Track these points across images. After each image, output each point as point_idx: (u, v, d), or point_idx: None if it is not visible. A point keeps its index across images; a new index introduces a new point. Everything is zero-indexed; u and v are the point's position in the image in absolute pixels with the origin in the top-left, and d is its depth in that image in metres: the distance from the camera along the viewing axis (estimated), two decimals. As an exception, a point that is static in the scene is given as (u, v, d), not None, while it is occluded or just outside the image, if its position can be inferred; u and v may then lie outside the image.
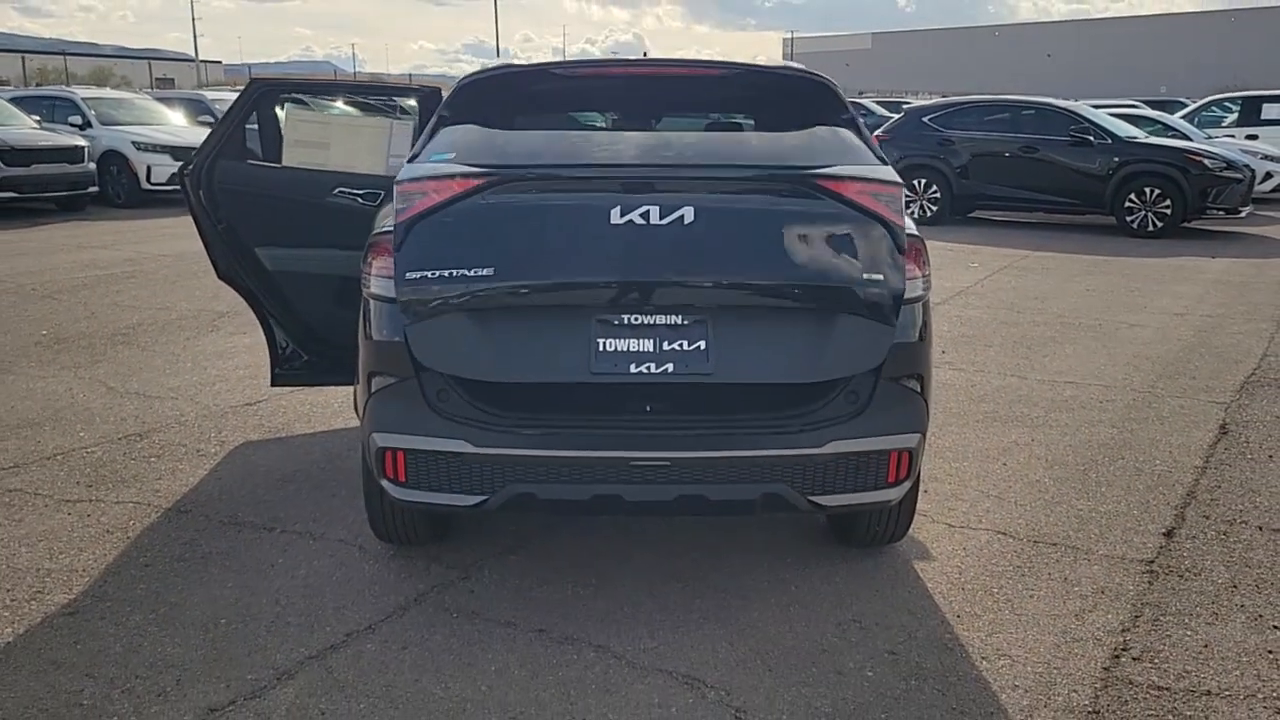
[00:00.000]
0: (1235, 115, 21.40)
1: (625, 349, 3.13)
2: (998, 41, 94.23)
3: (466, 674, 3.22)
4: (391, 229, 3.28)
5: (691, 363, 3.13)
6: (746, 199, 3.22)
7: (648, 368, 3.12)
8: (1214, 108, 22.34)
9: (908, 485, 3.36)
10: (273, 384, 5.18)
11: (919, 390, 3.32)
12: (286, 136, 4.85)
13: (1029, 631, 3.49)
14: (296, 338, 5.04)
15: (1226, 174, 13.78)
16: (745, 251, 3.16)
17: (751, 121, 3.49)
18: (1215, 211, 13.86)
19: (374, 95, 5.28)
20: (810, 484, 3.25)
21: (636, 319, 3.15)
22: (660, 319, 3.15)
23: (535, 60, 3.88)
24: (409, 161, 3.41)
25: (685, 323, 3.14)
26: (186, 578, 3.86)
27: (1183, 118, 20.96)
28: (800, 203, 3.21)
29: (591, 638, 3.43)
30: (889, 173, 3.29)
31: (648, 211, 3.12)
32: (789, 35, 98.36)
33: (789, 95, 3.49)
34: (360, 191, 4.81)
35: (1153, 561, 4.03)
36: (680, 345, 3.12)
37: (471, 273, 3.14)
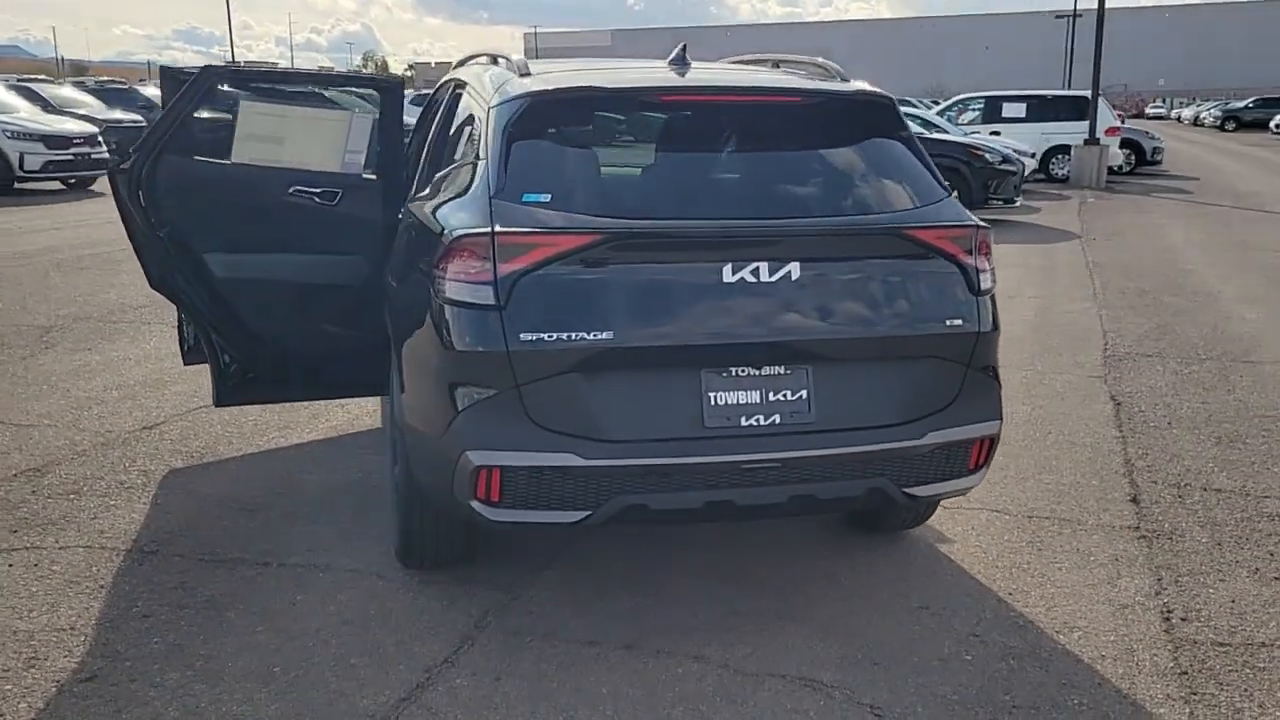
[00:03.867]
0: (979, 113, 23.28)
1: (735, 402, 3.12)
2: (730, 40, 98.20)
3: (581, 699, 3.06)
4: (481, 232, 3.05)
5: (796, 413, 3.15)
6: (846, 253, 3.25)
7: (757, 420, 3.12)
8: (960, 106, 24.20)
9: (986, 471, 3.47)
10: (217, 404, 4.70)
11: (996, 378, 3.44)
12: (238, 130, 4.40)
13: (1080, 603, 3.68)
14: (244, 352, 4.60)
15: (1003, 167, 14.99)
16: (844, 303, 3.20)
17: (822, 150, 3.44)
18: (995, 201, 15.04)
19: (332, 87, 4.87)
20: (906, 476, 3.30)
21: (744, 372, 3.14)
22: (766, 371, 3.14)
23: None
24: (494, 196, 3.14)
25: (787, 373, 3.15)
26: (203, 626, 3.46)
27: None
28: (891, 253, 3.28)
29: (684, 649, 3.34)
30: (961, 213, 3.39)
31: (758, 269, 3.10)
32: (531, 30, 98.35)
33: (854, 116, 3.49)
34: (317, 190, 4.45)
35: (1138, 528, 4.34)
36: (784, 395, 3.14)
37: (591, 336, 3.02)
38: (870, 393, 3.22)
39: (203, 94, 4.30)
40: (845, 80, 3.73)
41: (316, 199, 4.44)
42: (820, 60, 3.88)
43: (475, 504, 3.11)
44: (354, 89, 4.74)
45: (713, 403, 3.10)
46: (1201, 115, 62.93)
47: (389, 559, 3.94)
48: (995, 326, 3.39)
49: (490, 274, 3.03)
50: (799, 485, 3.19)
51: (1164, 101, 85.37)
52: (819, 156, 3.40)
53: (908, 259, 3.26)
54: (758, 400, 3.12)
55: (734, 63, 4.46)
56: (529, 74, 3.55)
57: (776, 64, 4.31)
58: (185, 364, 5.43)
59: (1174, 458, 5.19)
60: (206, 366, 5.26)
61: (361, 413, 5.75)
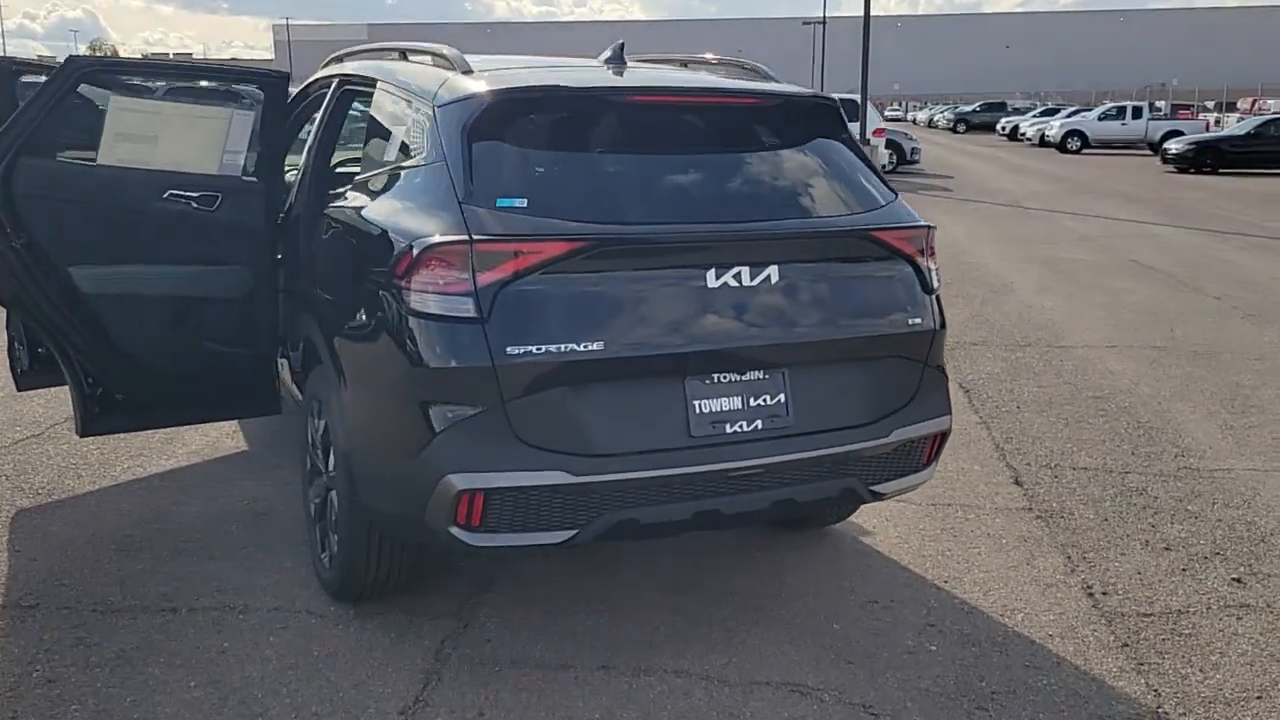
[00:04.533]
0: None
1: (719, 409, 3.07)
2: (491, 38, 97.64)
3: (575, 727, 2.93)
4: (455, 240, 2.85)
5: (776, 417, 3.13)
6: (819, 256, 3.25)
7: (740, 426, 3.08)
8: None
9: (936, 465, 3.56)
10: (82, 434, 4.21)
11: (945, 374, 3.54)
12: (107, 129, 3.95)
13: (1010, 586, 3.84)
14: (113, 375, 4.14)
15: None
16: (817, 306, 3.20)
17: (784, 152, 3.41)
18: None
19: (211, 79, 4.41)
20: (873, 475, 3.34)
21: (727, 378, 3.08)
22: (747, 377, 3.11)
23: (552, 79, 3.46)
24: (464, 201, 2.93)
25: (766, 378, 3.12)
26: (125, 685, 3.09)
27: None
28: (857, 255, 3.31)
29: (661, 664, 3.26)
30: (911, 213, 3.46)
31: (740, 273, 3.05)
32: (281, 22, 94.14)
33: (809, 119, 3.47)
34: (195, 194, 4.07)
35: (1030, 509, 4.59)
36: (764, 400, 3.11)
37: (581, 347, 2.88)
38: (841, 394, 3.24)
39: (66, 89, 3.84)
40: (775, 81, 3.74)
41: (194, 204, 4.06)
42: (746, 61, 3.87)
43: (455, 530, 2.92)
44: (232, 83, 4.34)
45: (698, 411, 3.03)
46: (935, 118, 67.78)
47: (313, 593, 3.65)
48: (944, 324, 3.48)
49: (469, 285, 2.85)
50: (780, 490, 3.17)
51: (899, 105, 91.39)
52: (782, 159, 3.39)
53: (872, 261, 3.30)
54: (740, 406, 3.08)
55: (642, 61, 4.39)
56: (472, 71, 3.35)
57: (684, 63, 4.27)
58: (20, 389, 4.84)
59: (1035, 440, 5.52)
60: (36, 392, 4.72)
61: (221, 435, 5.31)
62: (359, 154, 4.42)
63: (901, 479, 3.42)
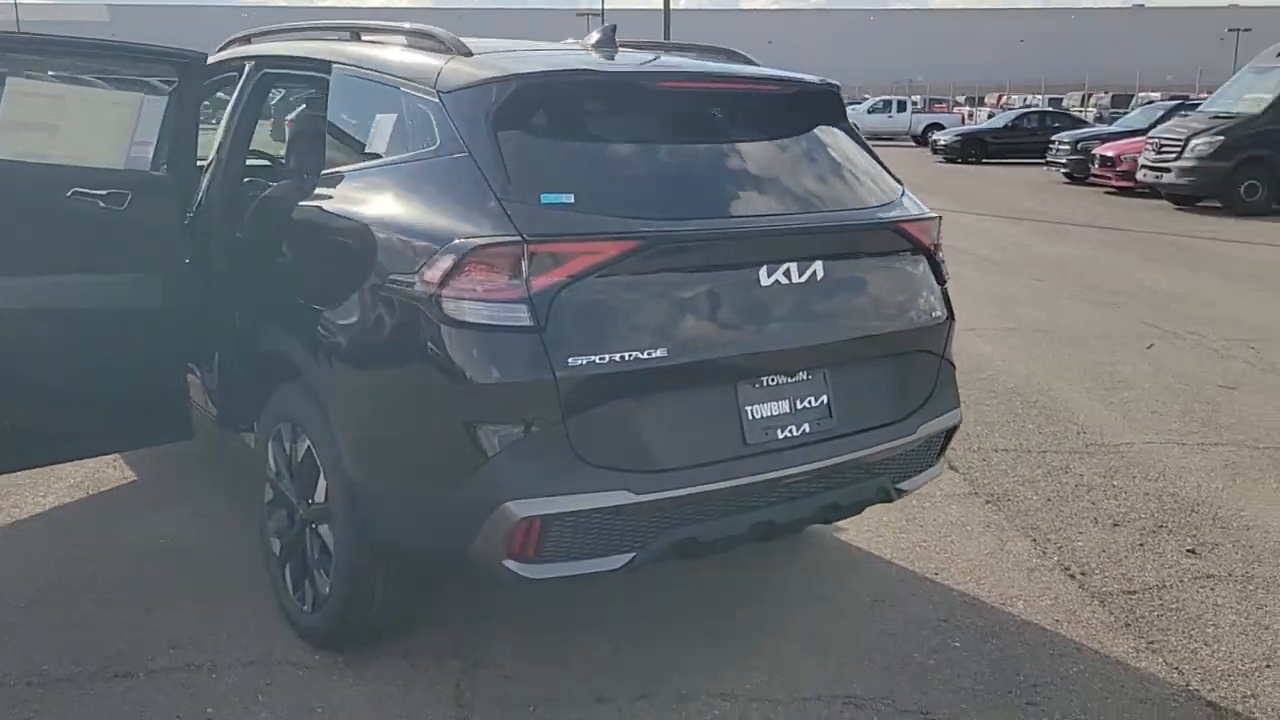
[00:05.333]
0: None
1: (769, 414, 2.90)
2: (248, 22, 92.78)
3: (644, 766, 2.71)
4: (506, 240, 2.56)
5: (821, 419, 3.00)
6: (855, 249, 3.13)
7: (790, 431, 2.93)
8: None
9: (944, 459, 3.53)
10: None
11: (954, 366, 3.50)
12: (2, 117, 3.36)
13: (996, 574, 3.86)
14: (8, 403, 3.55)
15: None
16: (855, 302, 3.10)
17: (807, 142, 3.26)
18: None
19: (120, 59, 3.77)
20: (898, 472, 3.27)
21: (775, 381, 2.92)
22: (796, 379, 2.96)
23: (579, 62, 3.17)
24: (504, 198, 2.63)
25: (809, 379, 2.98)
26: (109, 771, 2.63)
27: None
28: (886, 249, 3.20)
29: (702, 687, 3.08)
30: (922, 204, 3.40)
31: (789, 270, 2.89)
32: (13, 1, 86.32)
33: (821, 106, 3.32)
34: (103, 192, 3.56)
35: (978, 494, 4.66)
36: (810, 402, 2.97)
37: (644, 354, 2.65)
38: (875, 392, 3.15)
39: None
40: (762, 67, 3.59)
41: (102, 203, 3.55)
42: (720, 47, 3.71)
43: (510, 563, 2.63)
44: (142, 62, 3.78)
45: (750, 417, 2.86)
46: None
47: (288, 642, 3.25)
48: (954, 316, 3.45)
49: (522, 290, 2.56)
50: (827, 494, 3.05)
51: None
52: (808, 148, 3.25)
53: (897, 253, 3.21)
54: (788, 410, 2.93)
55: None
56: (471, 53, 3.04)
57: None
58: None
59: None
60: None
61: (100, 464, 4.69)
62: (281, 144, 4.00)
63: (920, 475, 3.37)
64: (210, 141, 4.03)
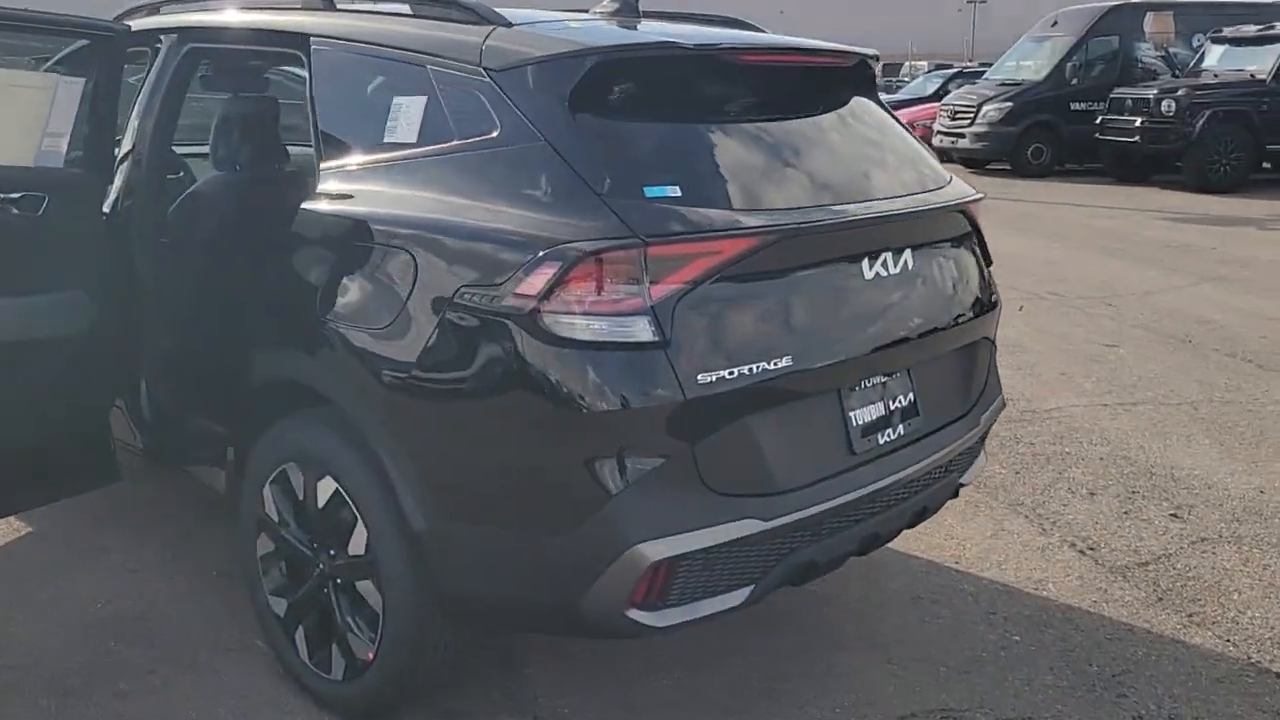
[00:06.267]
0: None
1: (870, 418, 2.67)
2: None
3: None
4: (621, 242, 2.20)
5: (911, 419, 2.80)
6: (933, 236, 2.92)
7: (888, 435, 2.71)
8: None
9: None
10: None
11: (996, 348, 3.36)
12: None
13: (1013, 558, 3.80)
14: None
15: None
16: (934, 291, 2.88)
17: (868, 119, 2.98)
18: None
19: (29, 33, 3.04)
20: (962, 466, 3.12)
21: (873, 382, 2.68)
22: (891, 377, 2.74)
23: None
24: (606, 193, 2.27)
25: (898, 376, 2.76)
26: None
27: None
28: (953, 233, 3.01)
29: (789, 714, 2.85)
30: (968, 186, 3.21)
31: (886, 259, 2.66)
32: None
33: (868, 79, 3.06)
34: (15, 196, 2.95)
35: (947, 472, 4.61)
36: (900, 401, 2.76)
37: (772, 365, 2.36)
38: (948, 384, 2.97)
39: None
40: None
41: (14, 209, 2.94)
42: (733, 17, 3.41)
43: (634, 613, 2.29)
44: (54, 36, 3.11)
45: (854, 424, 2.62)
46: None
47: (310, 717, 2.78)
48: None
49: (642, 299, 2.22)
50: (919, 497, 2.85)
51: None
52: (876, 126, 3.00)
53: (962, 237, 3.03)
54: (884, 412, 2.70)
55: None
56: (511, 24, 2.62)
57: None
58: None
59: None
60: None
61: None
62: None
63: (973, 466, 3.22)
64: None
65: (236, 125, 3.41)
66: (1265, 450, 4.81)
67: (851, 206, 2.62)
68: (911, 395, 2.79)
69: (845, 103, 2.96)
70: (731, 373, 2.29)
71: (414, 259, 2.43)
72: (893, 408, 2.73)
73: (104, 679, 2.95)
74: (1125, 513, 4.17)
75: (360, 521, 2.56)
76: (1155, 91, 15.01)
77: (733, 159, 2.57)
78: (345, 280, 2.59)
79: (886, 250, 2.65)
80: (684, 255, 2.27)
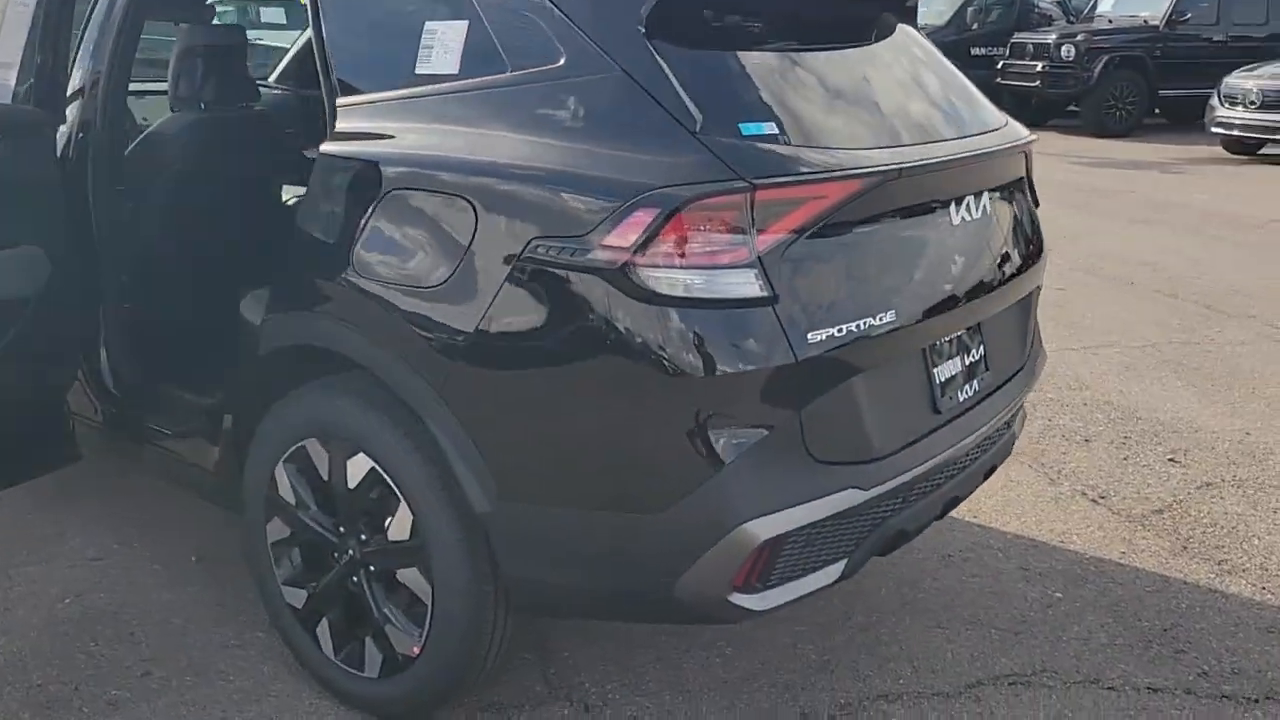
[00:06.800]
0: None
1: (950, 374, 2.47)
2: None
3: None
4: (727, 186, 1.95)
5: (982, 375, 2.62)
6: (1006, 177, 2.72)
7: (966, 391, 2.53)
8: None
9: None
10: None
11: None
12: None
13: (1031, 510, 3.69)
14: None
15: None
16: (1003, 236, 2.68)
17: (926, 52, 2.74)
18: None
19: None
20: (1017, 422, 2.98)
21: (954, 336, 2.49)
22: (968, 331, 2.55)
23: None
24: (701, 131, 1.99)
25: (971, 329, 2.57)
26: None
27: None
28: (1017, 175, 2.81)
29: (859, 691, 2.70)
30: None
31: (969, 204, 2.46)
32: None
33: (903, 7, 2.82)
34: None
35: (938, 422, 4.51)
36: (973, 356, 2.58)
37: (878, 320, 2.15)
38: (1009, 335, 2.80)
39: None
40: None
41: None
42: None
43: (736, 597, 2.08)
44: None
45: (937, 380, 2.43)
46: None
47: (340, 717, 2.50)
48: None
49: (748, 250, 1.97)
50: (988, 455, 2.69)
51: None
52: (939, 61, 2.77)
53: (1022, 179, 2.85)
54: (960, 367, 2.52)
55: None
56: None
57: None
58: None
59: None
60: None
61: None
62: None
63: (1019, 420, 3.08)
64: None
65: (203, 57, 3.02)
66: (1238, 392, 4.84)
67: (939, 146, 2.41)
68: (983, 348, 2.62)
69: (909, 36, 2.74)
70: (840, 330, 2.07)
71: (472, 207, 2.12)
72: (968, 362, 2.56)
73: (90, 685, 2.61)
74: (1124, 459, 4.13)
75: (403, 504, 2.28)
76: (1055, 37, 15.20)
77: (824, 93, 2.32)
78: (381, 233, 2.26)
79: (970, 194, 2.45)
80: (791, 200, 2.03)
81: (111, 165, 2.98)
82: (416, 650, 2.35)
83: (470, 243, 2.12)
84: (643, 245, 1.95)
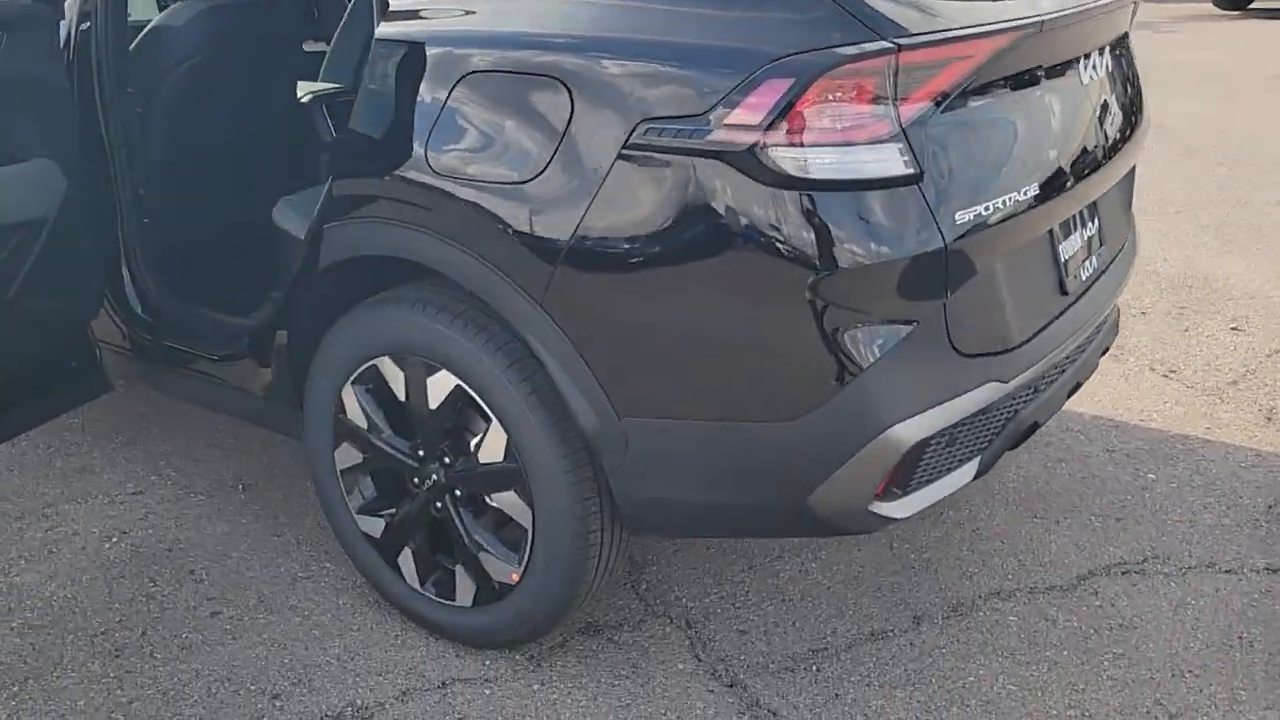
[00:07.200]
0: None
1: (1072, 251, 2.27)
2: None
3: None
4: (869, 50, 1.71)
5: (1099, 251, 2.42)
6: (1121, 31, 2.48)
7: (1086, 268, 2.34)
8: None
9: None
10: None
11: None
12: None
13: (1101, 389, 3.54)
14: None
15: None
16: (1118, 101, 2.44)
17: None
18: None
19: None
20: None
21: (1077, 210, 2.27)
22: (1087, 204, 2.32)
23: None
24: None
25: (1090, 202, 2.34)
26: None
27: None
28: (1126, 29, 2.55)
29: (973, 591, 2.57)
30: None
31: (1094, 62, 2.24)
32: None
33: None
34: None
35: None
36: (1090, 230, 2.37)
37: (1023, 194, 1.95)
38: (1116, 210, 2.60)
39: None
40: None
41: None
42: None
43: (877, 506, 1.91)
44: None
45: (1063, 258, 2.24)
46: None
47: (428, 654, 2.35)
48: None
49: (891, 122, 1.75)
50: (1101, 337, 2.51)
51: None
52: None
53: (1127, 36, 2.60)
54: (1080, 242, 2.33)
55: None
56: None
57: None
58: None
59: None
60: None
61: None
62: None
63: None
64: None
65: None
66: (1286, 254, 4.70)
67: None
68: (1098, 222, 2.43)
69: None
70: (988, 208, 1.87)
71: (566, 89, 1.87)
72: (1087, 237, 2.36)
73: (158, 629, 2.44)
74: (1185, 330, 3.99)
75: (496, 423, 2.08)
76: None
77: None
78: (459, 125, 2.00)
79: (1093, 51, 2.22)
80: (935, 62, 1.79)
81: (118, 63, 2.69)
82: (515, 577, 2.19)
83: (566, 129, 1.88)
84: (773, 122, 1.72)
